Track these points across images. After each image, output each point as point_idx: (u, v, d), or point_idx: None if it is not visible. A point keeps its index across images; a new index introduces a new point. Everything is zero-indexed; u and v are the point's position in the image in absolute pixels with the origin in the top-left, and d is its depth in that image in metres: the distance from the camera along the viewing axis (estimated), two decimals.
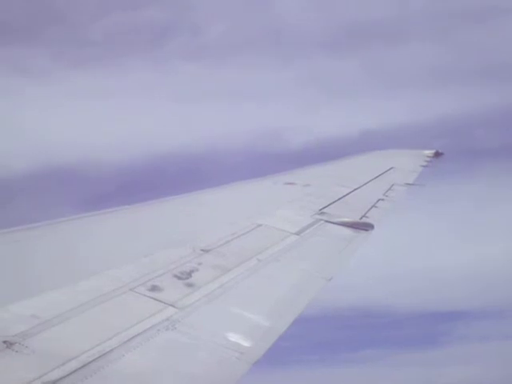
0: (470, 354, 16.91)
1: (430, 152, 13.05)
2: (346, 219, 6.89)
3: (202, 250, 4.94)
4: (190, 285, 4.22)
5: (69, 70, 22.64)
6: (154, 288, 4.01)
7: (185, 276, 4.35)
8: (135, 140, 19.98)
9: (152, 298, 3.88)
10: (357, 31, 24.39)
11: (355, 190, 8.86)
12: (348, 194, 8.51)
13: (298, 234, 6.11)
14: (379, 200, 8.41)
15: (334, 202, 7.75)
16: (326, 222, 6.75)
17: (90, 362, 2.96)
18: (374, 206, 8.02)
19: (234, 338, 3.69)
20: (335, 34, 24.38)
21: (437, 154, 13.02)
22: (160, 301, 3.85)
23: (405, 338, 17.70)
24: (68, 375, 2.82)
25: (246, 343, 3.64)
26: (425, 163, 12.19)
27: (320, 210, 7.21)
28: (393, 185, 9.60)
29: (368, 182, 9.60)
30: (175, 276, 4.31)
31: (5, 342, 2.96)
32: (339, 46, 24.25)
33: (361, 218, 7.25)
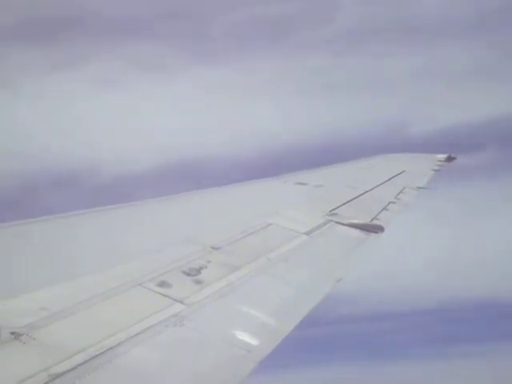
0: None
1: (442, 156, 13.02)
2: (356, 221, 6.86)
3: (212, 248, 4.93)
4: (198, 282, 4.22)
5: (193, 66, 22.73)
6: (162, 284, 4.01)
7: (194, 273, 4.34)
8: (252, 134, 19.93)
9: (160, 293, 3.87)
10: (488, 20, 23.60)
11: (366, 192, 8.82)
12: (359, 196, 8.48)
13: (307, 234, 6.09)
14: (390, 203, 8.37)
15: (344, 204, 7.72)
16: (336, 223, 6.73)
17: (96, 356, 2.96)
18: (384, 208, 7.99)
19: (241, 335, 3.68)
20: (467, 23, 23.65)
21: (449, 159, 12.98)
22: (168, 297, 3.85)
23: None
24: (74, 368, 2.82)
25: (253, 341, 3.64)
26: (437, 167, 12.17)
27: (330, 211, 7.18)
28: (404, 188, 9.56)
29: (379, 185, 9.56)
30: (184, 272, 4.31)
31: (13, 333, 2.97)
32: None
33: (371, 220, 7.22)
